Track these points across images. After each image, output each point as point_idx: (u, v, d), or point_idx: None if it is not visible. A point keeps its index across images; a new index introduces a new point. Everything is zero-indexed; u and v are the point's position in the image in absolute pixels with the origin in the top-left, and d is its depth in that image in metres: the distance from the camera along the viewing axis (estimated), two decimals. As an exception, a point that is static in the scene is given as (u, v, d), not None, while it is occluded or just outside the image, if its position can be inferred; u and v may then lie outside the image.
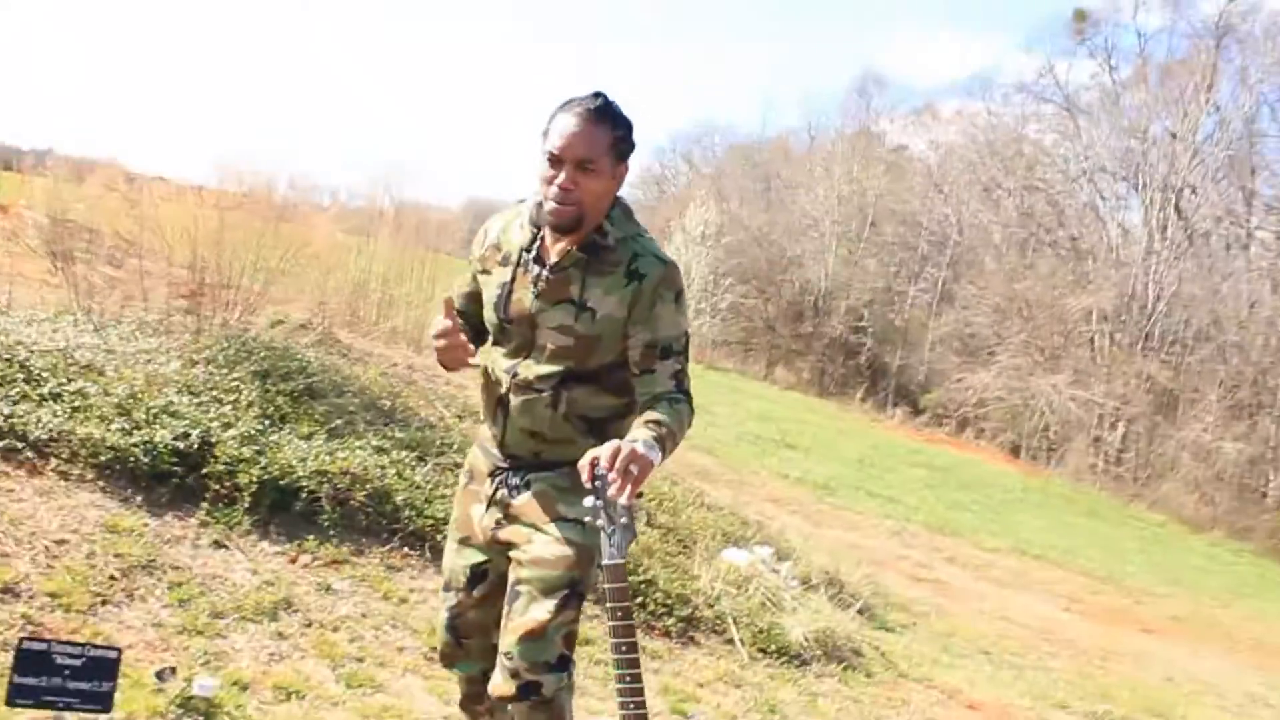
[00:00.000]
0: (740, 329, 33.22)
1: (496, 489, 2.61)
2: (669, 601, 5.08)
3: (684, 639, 4.98)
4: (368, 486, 4.65)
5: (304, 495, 4.45)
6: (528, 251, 2.54)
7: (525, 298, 2.53)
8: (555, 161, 2.41)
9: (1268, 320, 25.72)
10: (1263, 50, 28.54)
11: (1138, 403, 25.35)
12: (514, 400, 2.54)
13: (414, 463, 5.10)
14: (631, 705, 2.11)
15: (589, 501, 2.16)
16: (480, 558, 2.66)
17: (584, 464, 2.18)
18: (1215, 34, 29.40)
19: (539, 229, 2.53)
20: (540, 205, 2.48)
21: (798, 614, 5.79)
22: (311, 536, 4.35)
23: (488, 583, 2.66)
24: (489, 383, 2.62)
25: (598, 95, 2.45)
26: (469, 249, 2.76)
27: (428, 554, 4.60)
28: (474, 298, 2.68)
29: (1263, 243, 28.80)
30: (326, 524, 4.42)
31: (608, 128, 2.43)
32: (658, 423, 2.35)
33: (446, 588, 2.74)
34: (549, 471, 2.57)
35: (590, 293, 2.48)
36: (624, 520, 2.13)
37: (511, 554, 2.57)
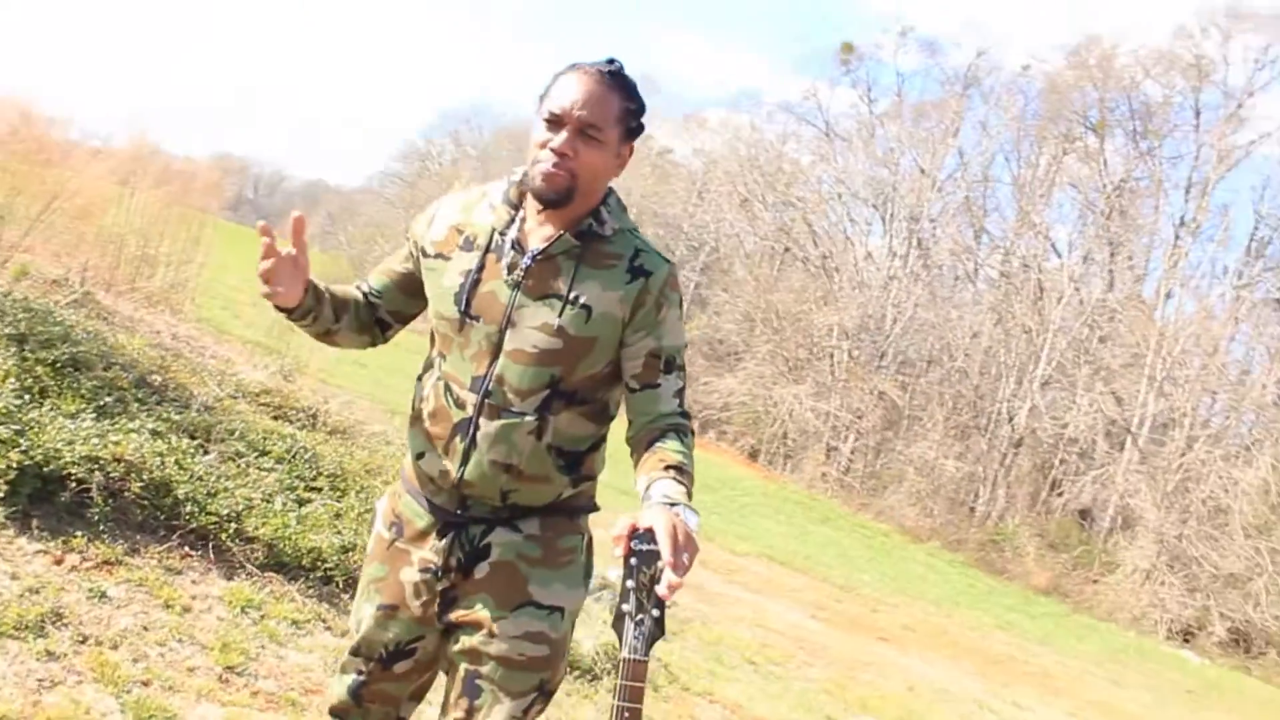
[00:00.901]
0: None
1: (449, 553, 2.13)
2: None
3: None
4: (145, 476, 4.12)
5: (72, 484, 3.90)
6: (502, 235, 2.10)
7: (499, 289, 2.07)
8: (554, 123, 2.02)
9: (986, 349, 27.66)
10: (1002, 104, 30.74)
11: (870, 418, 26.72)
12: (485, 426, 2.06)
13: (195, 451, 4.59)
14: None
15: (614, 574, 1.81)
16: (411, 635, 2.18)
17: (620, 531, 1.77)
18: (963, 83, 31.46)
19: (517, 209, 2.11)
20: (521, 180, 2.11)
21: (587, 626, 5.63)
22: (80, 533, 3.79)
23: (413, 660, 2.20)
24: (442, 409, 2.11)
25: (612, 61, 2.07)
26: (409, 229, 2.24)
27: (210, 555, 4.14)
28: (401, 283, 2.24)
29: (988, 278, 30.98)
30: (97, 519, 3.86)
31: (621, 96, 2.05)
32: (681, 470, 1.94)
33: (355, 651, 2.23)
34: (512, 531, 2.12)
35: (584, 287, 2.05)
36: (655, 612, 1.75)
37: (464, 637, 2.12)
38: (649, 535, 1.75)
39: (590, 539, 2.24)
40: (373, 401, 9.92)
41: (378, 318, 2.30)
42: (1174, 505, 20.81)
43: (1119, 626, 18.90)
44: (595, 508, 2.25)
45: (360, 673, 2.22)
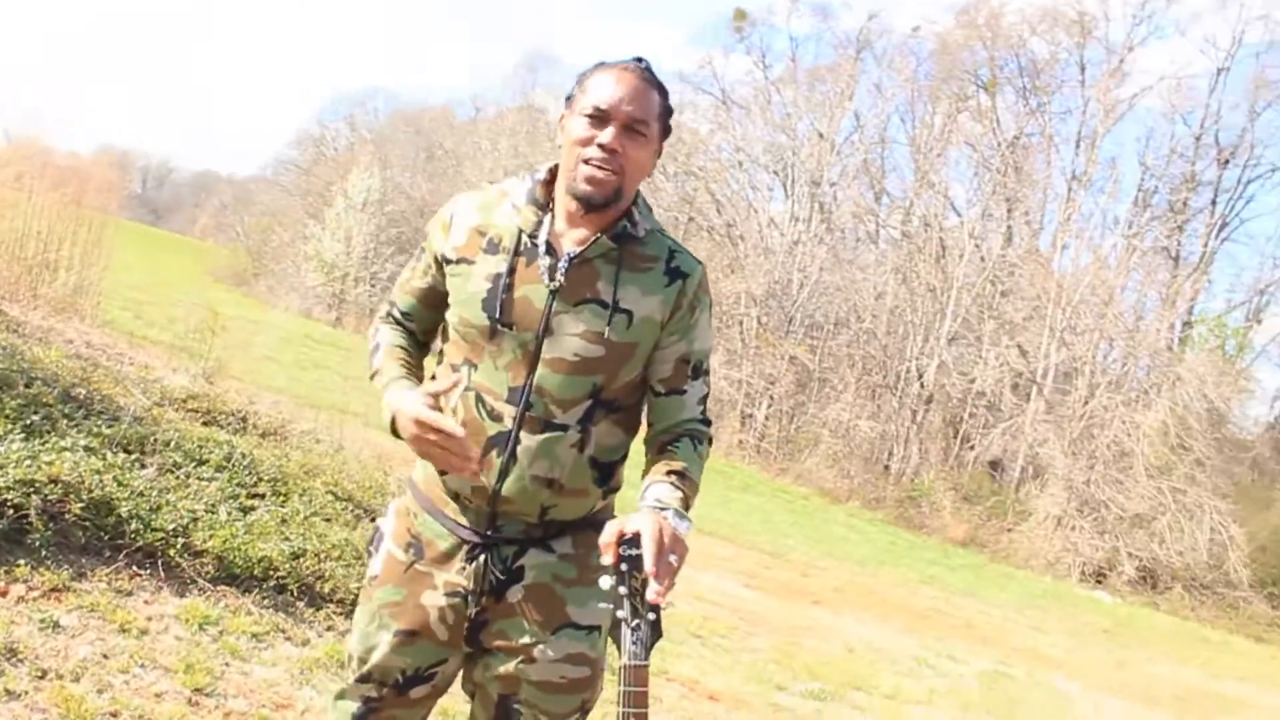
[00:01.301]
0: (401, 299, 32.40)
1: (481, 577, 2.04)
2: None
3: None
4: (84, 496, 3.97)
5: (8, 510, 3.74)
6: (532, 238, 2.01)
7: (534, 295, 1.98)
8: (599, 119, 1.95)
9: (892, 309, 28.12)
10: (895, 66, 31.18)
11: (782, 383, 27.03)
12: (526, 440, 1.97)
13: (132, 465, 4.45)
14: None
15: (606, 582, 1.75)
16: (432, 660, 2.09)
17: (608, 539, 1.75)
18: (856, 46, 31.80)
19: (545, 210, 2.03)
20: (546, 185, 2.04)
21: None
22: (22, 561, 3.64)
23: (430, 686, 2.12)
24: (475, 422, 1.99)
25: (640, 59, 2.04)
26: (430, 235, 2.13)
27: (160, 572, 4.01)
28: (427, 299, 2.14)
29: (890, 239, 31.45)
30: (38, 544, 3.72)
31: (659, 92, 2.03)
32: (682, 476, 1.93)
33: (365, 678, 2.11)
34: (546, 552, 2.05)
35: (625, 291, 1.99)
36: (652, 617, 1.74)
37: (499, 664, 2.06)
38: (637, 540, 1.74)
39: None
40: (293, 398, 9.72)
41: (418, 342, 2.23)
42: (1080, 452, 21.48)
43: (1035, 573, 19.46)
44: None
45: (369, 700, 2.11)
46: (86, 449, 4.36)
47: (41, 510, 3.81)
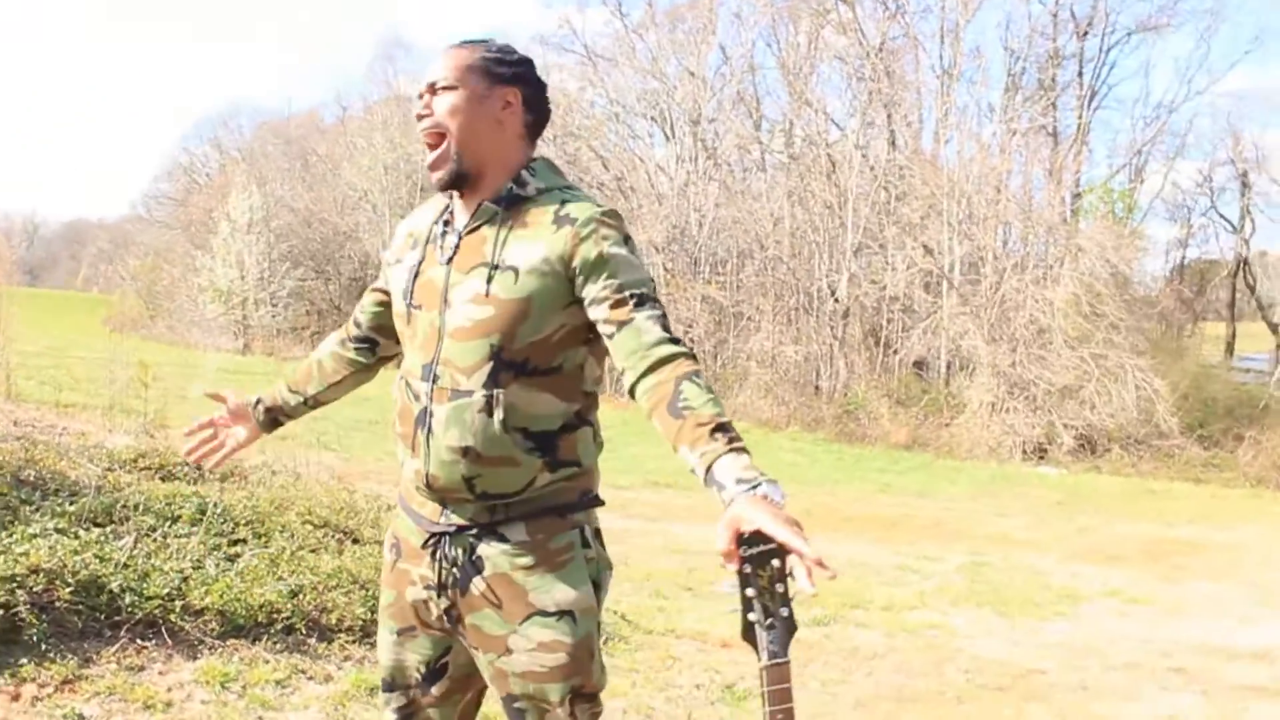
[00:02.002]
0: (305, 314, 31.83)
1: (440, 570, 2.06)
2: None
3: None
4: (70, 580, 3.83)
5: (-3, 610, 3.59)
6: (436, 224, 2.11)
7: (436, 274, 2.05)
8: (420, 100, 2.08)
9: (793, 232, 28.34)
10: (752, -9, 31.16)
11: (700, 323, 27.16)
12: (437, 412, 1.98)
13: (108, 538, 4.30)
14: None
15: (727, 587, 1.67)
16: (437, 650, 2.15)
17: (726, 546, 1.65)
18: (710, -23, 31.68)
19: (450, 198, 2.12)
20: None
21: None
22: (24, 660, 3.50)
23: (449, 679, 2.16)
24: (405, 406, 2.07)
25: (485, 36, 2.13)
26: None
27: (167, 639, 3.90)
28: (376, 300, 2.33)
29: (778, 164, 31.59)
30: (36, 639, 3.58)
31: (469, 49, 2.06)
32: (723, 429, 1.78)
33: (390, 687, 2.19)
34: (499, 541, 2.02)
35: (509, 249, 1.98)
36: (784, 612, 1.66)
37: (483, 659, 2.07)
38: (754, 537, 1.65)
39: (594, 531, 2.12)
40: (302, 443, 9.50)
41: (362, 337, 2.36)
42: (1000, 337, 21.95)
43: (979, 460, 19.94)
44: (592, 502, 2.12)
45: (401, 709, 2.19)
46: (57, 530, 4.21)
47: (30, 604, 3.67)
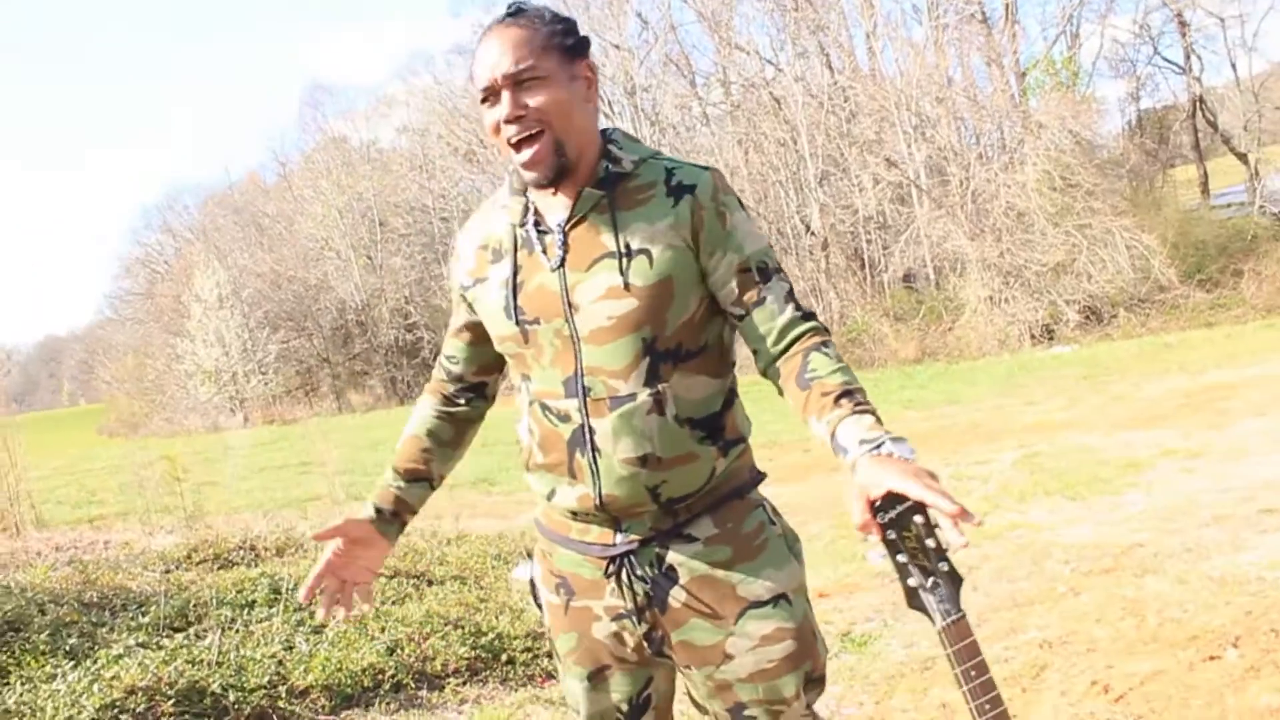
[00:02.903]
0: (296, 374, 31.66)
1: (632, 591, 1.86)
2: (530, 645, 4.57)
3: (548, 678, 4.50)
4: (170, 692, 3.72)
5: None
6: (522, 226, 1.85)
7: (546, 280, 1.81)
8: (491, 96, 1.77)
9: (750, 176, 28.19)
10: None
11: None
12: (600, 425, 1.79)
13: (192, 640, 4.20)
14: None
15: (876, 559, 1.62)
16: (636, 685, 1.96)
17: (859, 515, 1.53)
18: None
19: (525, 195, 1.86)
20: (515, 170, 1.84)
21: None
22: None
23: (654, 710, 1.99)
24: (548, 432, 1.85)
25: (510, 5, 1.82)
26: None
27: (282, 728, 3.80)
28: (467, 333, 2.01)
29: (719, 115, 31.43)
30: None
31: (533, 26, 1.78)
32: (849, 395, 1.67)
33: None
34: (688, 543, 1.85)
35: (631, 231, 1.78)
36: (944, 566, 1.54)
37: (699, 674, 1.89)
38: (889, 500, 1.53)
39: (773, 506, 1.96)
40: (271, 508, 9.41)
41: (468, 387, 2.07)
42: (982, 230, 21.87)
43: (992, 356, 19.91)
44: (760, 475, 1.97)
45: None
46: (140, 645, 4.10)
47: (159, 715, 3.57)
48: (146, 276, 39.48)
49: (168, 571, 5.52)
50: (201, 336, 28.47)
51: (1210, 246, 22.18)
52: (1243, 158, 27.49)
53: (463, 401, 2.08)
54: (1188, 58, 28.64)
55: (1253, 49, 28.58)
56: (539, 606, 2.06)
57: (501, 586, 5.36)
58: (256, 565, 5.51)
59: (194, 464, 10.29)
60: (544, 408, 1.84)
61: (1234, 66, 29.42)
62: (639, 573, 1.86)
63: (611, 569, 1.87)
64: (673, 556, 1.85)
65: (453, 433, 2.07)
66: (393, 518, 2.01)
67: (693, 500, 1.85)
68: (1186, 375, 13.46)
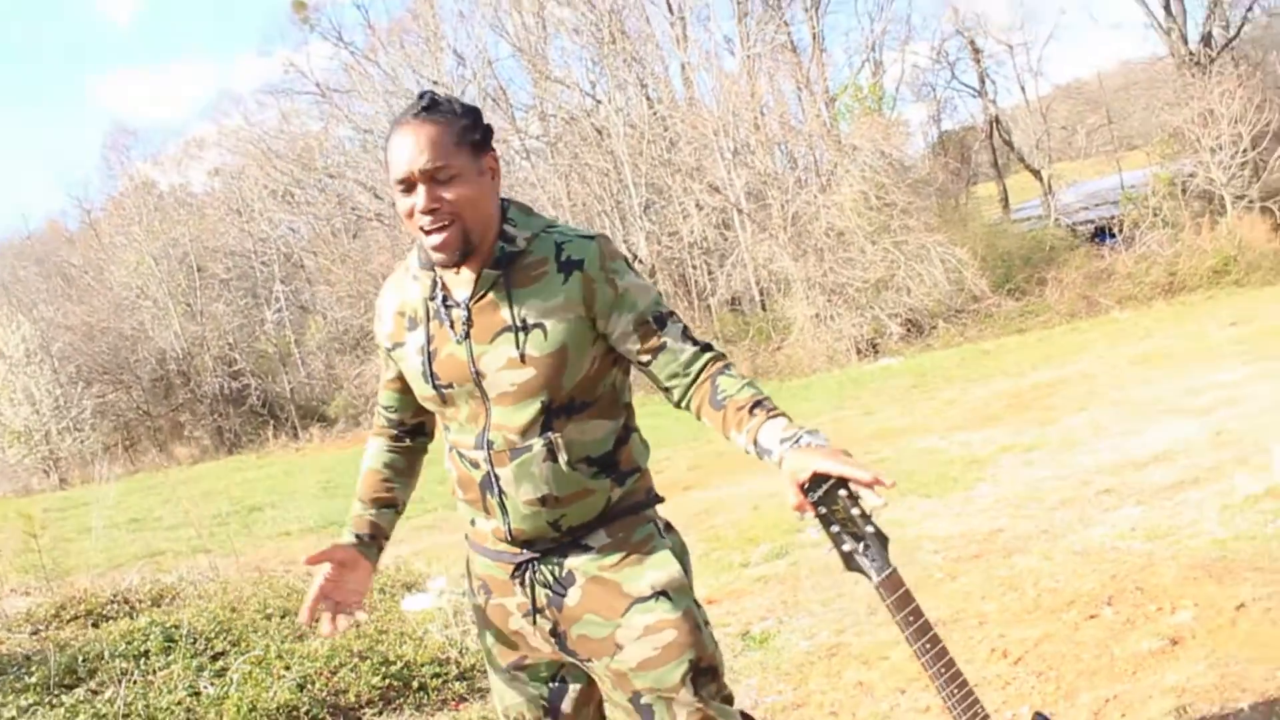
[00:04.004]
0: (113, 429, 30.17)
1: (533, 593, 2.11)
2: (439, 670, 4.56)
3: (479, 694, 4.49)
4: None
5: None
6: (432, 300, 2.06)
7: (455, 351, 2.03)
8: (406, 188, 1.95)
9: (575, 207, 28.50)
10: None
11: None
12: (502, 473, 2.03)
13: (88, 698, 4.04)
14: (959, 701, 1.84)
15: (814, 533, 1.82)
16: (550, 673, 2.19)
17: (792, 498, 1.79)
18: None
19: (433, 269, 2.05)
20: (422, 247, 2.03)
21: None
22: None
23: (571, 695, 2.19)
24: (464, 475, 2.10)
25: (422, 95, 1.98)
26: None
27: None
28: (397, 384, 2.22)
29: (537, 148, 31.64)
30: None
31: (445, 122, 1.95)
32: (760, 404, 1.91)
33: None
34: (583, 551, 2.09)
35: (526, 306, 1.99)
36: (870, 529, 1.80)
37: (599, 666, 2.10)
38: (815, 481, 1.79)
39: (666, 523, 2.20)
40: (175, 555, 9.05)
41: (409, 429, 2.30)
42: (804, 251, 22.68)
43: (822, 372, 20.64)
44: (656, 499, 2.21)
45: None
46: (35, 705, 3.93)
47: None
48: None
49: (36, 632, 5.27)
50: (8, 395, 26.87)
51: (1015, 258, 23.59)
52: (1036, 174, 29.39)
53: (407, 439, 2.31)
54: (982, 82, 30.50)
55: (1039, 73, 30.68)
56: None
57: (394, 617, 5.33)
58: (134, 618, 5.32)
59: (47, 522, 9.75)
60: (459, 454, 2.10)
61: (1024, 89, 31.49)
62: (539, 578, 2.10)
63: (517, 573, 2.12)
64: (570, 563, 2.09)
65: (405, 463, 2.30)
66: (371, 541, 2.19)
67: (591, 523, 2.10)
68: (1009, 378, 14.29)
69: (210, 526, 13.88)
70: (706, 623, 2.13)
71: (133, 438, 30.61)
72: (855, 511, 1.79)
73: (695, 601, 2.13)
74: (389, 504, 2.24)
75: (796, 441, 1.83)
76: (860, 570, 1.81)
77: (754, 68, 27.21)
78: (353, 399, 28.56)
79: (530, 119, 31.80)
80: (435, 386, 2.06)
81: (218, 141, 36.22)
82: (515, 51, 31.30)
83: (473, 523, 2.15)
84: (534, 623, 2.12)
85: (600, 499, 2.08)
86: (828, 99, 28.09)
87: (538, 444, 2.01)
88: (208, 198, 35.16)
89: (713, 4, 28.67)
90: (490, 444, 2.03)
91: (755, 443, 1.90)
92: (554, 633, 2.11)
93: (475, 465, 2.07)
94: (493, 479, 2.04)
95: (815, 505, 1.79)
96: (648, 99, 28.23)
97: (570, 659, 2.15)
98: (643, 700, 2.06)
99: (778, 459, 1.84)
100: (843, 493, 1.79)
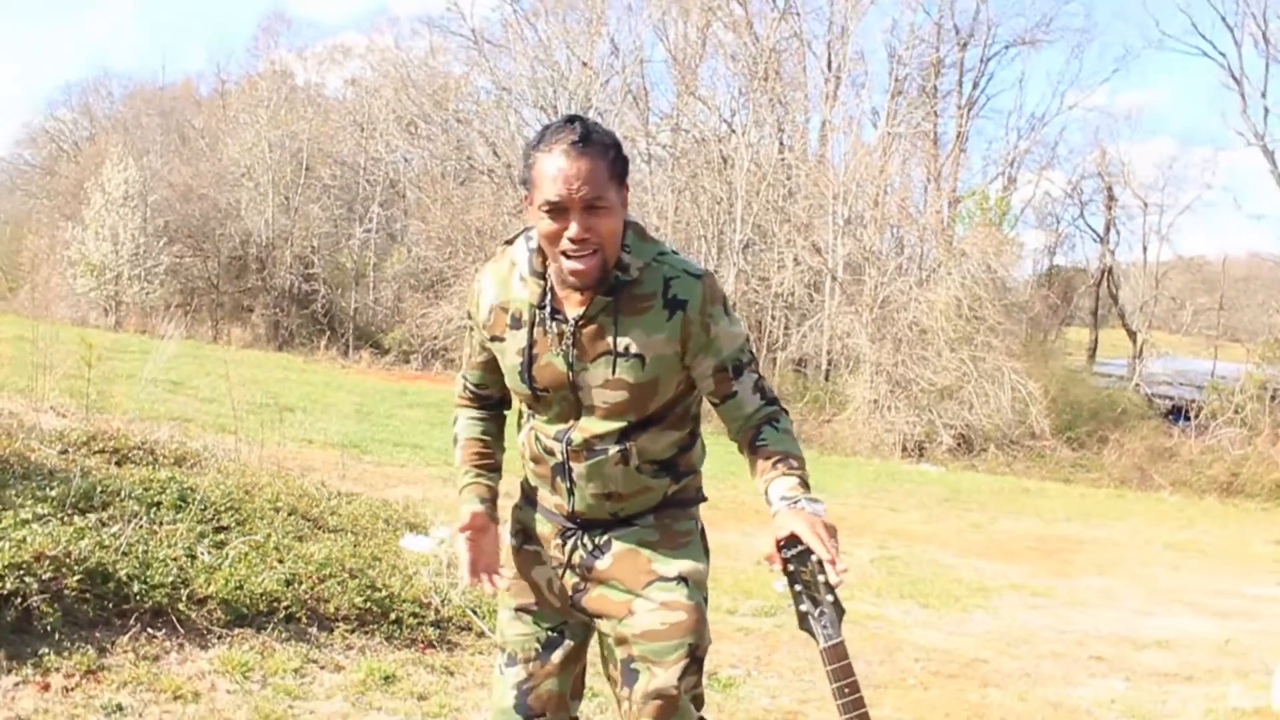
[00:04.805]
0: (179, 290, 30.79)
1: (571, 552, 2.31)
2: (418, 610, 4.69)
3: (447, 645, 4.63)
4: (77, 568, 3.77)
5: (14, 600, 3.51)
6: (540, 308, 2.19)
7: (555, 361, 2.20)
8: (557, 211, 2.05)
9: (678, 225, 28.66)
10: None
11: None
12: (576, 467, 2.25)
13: (99, 525, 4.22)
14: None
15: (779, 586, 1.96)
16: (555, 622, 2.36)
17: (769, 551, 1.99)
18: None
19: (544, 279, 2.18)
20: (540, 253, 2.17)
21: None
22: (44, 650, 3.44)
23: (564, 648, 2.36)
24: (539, 454, 2.30)
25: (573, 120, 2.10)
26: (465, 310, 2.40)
27: (179, 629, 3.86)
28: (490, 366, 2.37)
29: (661, 157, 31.89)
30: (51, 629, 3.52)
31: (601, 153, 2.07)
32: (785, 459, 2.14)
33: (510, 661, 2.37)
34: (628, 525, 2.29)
35: (630, 336, 2.15)
36: (830, 599, 1.94)
37: (606, 625, 2.27)
38: (794, 540, 1.96)
39: (703, 528, 2.39)
40: (202, 426, 9.30)
41: (495, 401, 2.46)
42: (884, 336, 22.66)
43: (862, 457, 20.56)
44: (702, 498, 2.43)
45: (520, 683, 2.35)
46: (50, 517, 4.11)
47: (42, 591, 3.60)
48: (51, 152, 38.00)
49: (64, 452, 5.48)
50: (95, 228, 27.51)
51: (1085, 408, 23.37)
52: (1132, 335, 29.04)
53: (493, 408, 2.48)
54: (1107, 229, 30.24)
55: (1165, 238, 30.39)
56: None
57: (391, 550, 5.46)
58: (155, 469, 5.50)
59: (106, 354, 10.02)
60: (537, 438, 2.30)
61: (1145, 249, 31.14)
62: (587, 543, 2.30)
63: (569, 533, 2.32)
64: (612, 534, 2.30)
65: (497, 428, 2.48)
66: (492, 505, 2.38)
67: (645, 511, 2.31)
68: (1040, 521, 14.17)
69: (243, 411, 14.23)
70: (707, 621, 2.27)
71: (197, 306, 31.23)
72: (821, 579, 1.94)
73: (706, 600, 2.29)
74: (494, 467, 2.42)
75: (795, 503, 2.03)
76: (810, 632, 1.96)
77: (891, 146, 27.25)
78: (410, 335, 28.88)
79: (663, 126, 32.04)
80: (532, 389, 2.23)
81: (363, 54, 36.92)
82: (669, 58, 31.70)
83: (537, 491, 2.36)
84: (561, 576, 2.31)
85: (658, 494, 2.30)
86: (952, 198, 28.07)
87: (613, 450, 2.22)
88: (336, 103, 35.78)
89: (872, 74, 28.77)
90: (570, 440, 2.23)
91: (766, 491, 2.12)
92: (574, 589, 2.30)
93: (551, 452, 2.27)
94: (566, 469, 2.25)
95: (786, 562, 1.96)
96: (780, 144, 28.36)
97: (578, 616, 2.32)
98: (634, 665, 2.21)
99: (774, 512, 2.05)
100: (814, 558, 1.94)
